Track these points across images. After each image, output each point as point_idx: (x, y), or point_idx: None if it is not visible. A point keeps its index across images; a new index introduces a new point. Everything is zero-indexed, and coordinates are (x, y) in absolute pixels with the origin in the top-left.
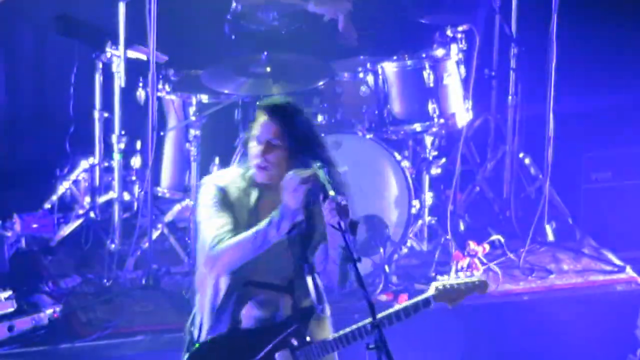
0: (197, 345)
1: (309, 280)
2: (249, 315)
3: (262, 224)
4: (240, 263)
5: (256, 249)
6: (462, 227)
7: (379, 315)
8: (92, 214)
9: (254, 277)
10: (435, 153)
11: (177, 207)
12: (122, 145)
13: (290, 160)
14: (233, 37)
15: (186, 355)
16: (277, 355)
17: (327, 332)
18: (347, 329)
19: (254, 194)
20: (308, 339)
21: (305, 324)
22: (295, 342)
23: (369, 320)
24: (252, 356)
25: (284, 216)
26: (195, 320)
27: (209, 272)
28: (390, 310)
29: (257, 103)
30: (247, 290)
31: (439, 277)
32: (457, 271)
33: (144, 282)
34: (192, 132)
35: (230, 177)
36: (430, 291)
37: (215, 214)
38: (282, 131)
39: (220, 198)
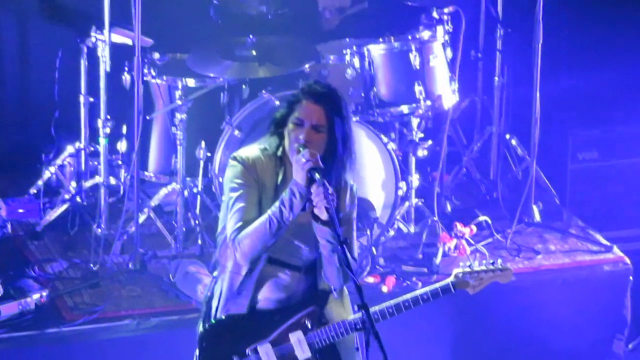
0: (213, 321)
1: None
2: (267, 294)
3: (275, 205)
4: (262, 249)
5: (273, 232)
6: (449, 208)
7: (398, 300)
8: (78, 199)
9: (276, 256)
10: (422, 135)
11: (163, 191)
12: (108, 130)
13: (325, 145)
14: (219, 21)
15: (201, 328)
16: (290, 336)
17: (348, 312)
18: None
19: (281, 173)
20: (324, 321)
21: (322, 306)
22: (309, 324)
23: (388, 303)
24: (266, 336)
25: (294, 193)
26: (214, 292)
27: (234, 259)
28: (408, 295)
29: (300, 88)
30: (268, 269)
31: (461, 264)
32: (444, 253)
33: (130, 266)
34: (178, 116)
35: (258, 154)
36: (451, 278)
37: (239, 201)
38: (328, 117)
39: (248, 178)
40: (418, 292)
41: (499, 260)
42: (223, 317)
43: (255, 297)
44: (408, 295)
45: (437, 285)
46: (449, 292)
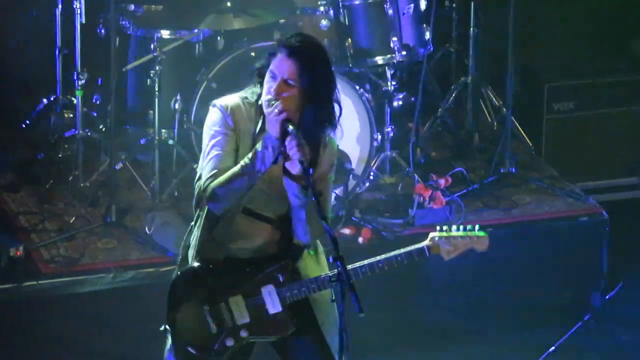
0: (183, 269)
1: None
2: (241, 244)
3: (247, 157)
4: (234, 199)
5: (244, 183)
6: (424, 159)
7: (372, 260)
8: (54, 151)
9: (250, 206)
10: (397, 86)
11: (139, 143)
12: (83, 82)
13: (301, 100)
14: None
15: (176, 274)
16: (262, 289)
17: (323, 268)
18: (331, 272)
19: (259, 122)
20: (296, 275)
21: (295, 260)
22: (280, 278)
23: (361, 263)
24: (237, 287)
25: (265, 145)
26: (190, 241)
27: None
28: (382, 256)
29: (280, 38)
30: (242, 218)
31: (437, 227)
32: (419, 204)
33: (106, 218)
34: (154, 67)
35: (238, 102)
36: (427, 241)
37: (215, 148)
38: (301, 72)
39: (225, 125)
40: (392, 253)
41: (476, 226)
42: (196, 264)
43: (229, 245)
44: (382, 257)
45: (412, 247)
46: (423, 255)
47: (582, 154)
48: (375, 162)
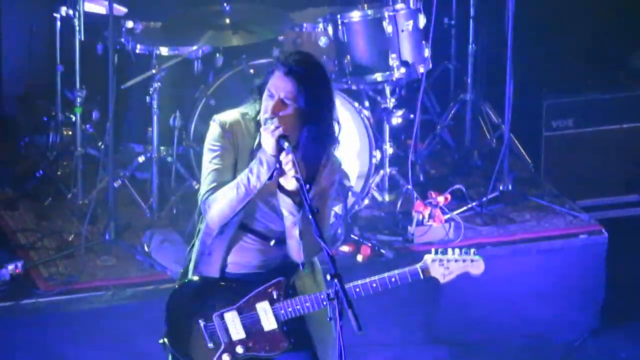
0: (185, 280)
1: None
2: (237, 259)
3: (244, 172)
4: (230, 214)
5: (240, 198)
6: (423, 176)
7: (366, 281)
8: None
9: (246, 221)
10: (396, 103)
11: (138, 160)
12: (82, 99)
13: (298, 118)
14: None
15: (174, 287)
16: (257, 305)
17: (320, 286)
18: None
19: (257, 138)
20: (291, 292)
21: (290, 278)
22: (275, 295)
23: (355, 282)
24: (234, 303)
25: (261, 161)
26: (192, 256)
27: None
28: (377, 277)
29: (278, 55)
30: (239, 233)
31: (433, 250)
32: (418, 221)
33: (105, 236)
34: (153, 85)
35: (238, 118)
36: (421, 263)
37: (214, 162)
38: (297, 92)
39: (224, 141)
40: (386, 274)
41: (472, 250)
42: (194, 278)
43: (225, 260)
44: (376, 277)
45: (406, 269)
46: (417, 278)
47: (581, 171)
48: (374, 180)
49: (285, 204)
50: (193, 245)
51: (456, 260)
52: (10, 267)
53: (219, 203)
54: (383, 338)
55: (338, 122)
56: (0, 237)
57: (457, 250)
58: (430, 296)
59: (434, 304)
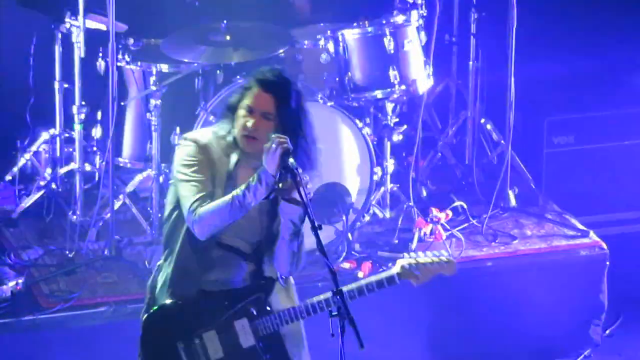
0: (155, 308)
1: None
2: (213, 277)
3: (240, 188)
4: (221, 227)
5: (234, 214)
6: (424, 193)
7: (344, 288)
8: (53, 185)
9: (223, 239)
10: (397, 119)
11: (138, 177)
12: (83, 116)
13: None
14: (196, 2)
15: (144, 316)
16: (236, 323)
17: (293, 301)
18: (314, 299)
19: (234, 157)
20: (269, 308)
21: (268, 293)
22: (254, 312)
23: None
24: (210, 322)
25: (260, 180)
26: (158, 277)
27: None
28: (354, 284)
29: (253, 74)
30: (214, 251)
31: (405, 254)
32: (420, 238)
33: (106, 252)
34: (153, 101)
35: (211, 137)
36: (396, 269)
37: (194, 174)
38: (277, 105)
39: (200, 157)
40: (363, 281)
41: (445, 253)
42: (168, 301)
43: (202, 278)
44: (353, 285)
45: (383, 275)
46: (393, 283)
47: (582, 187)
48: (375, 196)
49: (289, 213)
50: (158, 270)
51: (430, 264)
52: (11, 283)
53: (212, 216)
54: (385, 355)
55: (315, 144)
56: (0, 253)
57: (429, 253)
58: (432, 313)
59: (436, 321)
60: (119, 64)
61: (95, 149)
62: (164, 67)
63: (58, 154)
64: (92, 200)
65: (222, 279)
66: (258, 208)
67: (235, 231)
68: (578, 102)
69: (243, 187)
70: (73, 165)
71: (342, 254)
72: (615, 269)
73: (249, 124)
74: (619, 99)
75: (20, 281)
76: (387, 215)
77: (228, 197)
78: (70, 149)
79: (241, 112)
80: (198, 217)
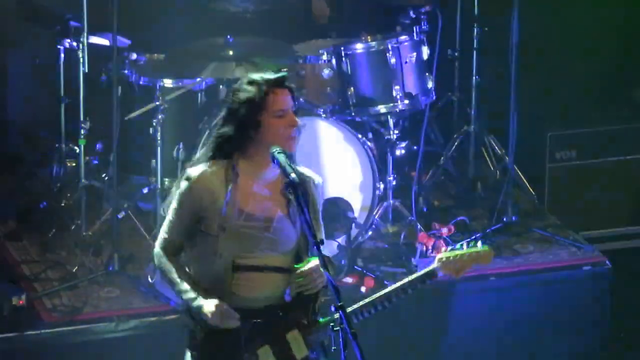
0: (201, 335)
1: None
2: (257, 296)
3: (188, 294)
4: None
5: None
6: (426, 208)
7: (386, 291)
8: (56, 200)
9: (256, 261)
10: (399, 134)
11: (142, 192)
12: (86, 131)
13: None
14: (200, 17)
15: (189, 353)
16: (288, 335)
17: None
18: (355, 306)
19: (228, 187)
20: (318, 318)
21: (315, 301)
22: (305, 322)
23: (376, 295)
24: (263, 337)
25: (195, 311)
26: (192, 304)
27: None
28: (396, 285)
29: (258, 82)
30: (249, 274)
31: (442, 249)
32: (422, 253)
33: (109, 267)
34: (156, 116)
35: (206, 170)
36: (435, 263)
37: (175, 211)
38: (292, 98)
39: (190, 200)
40: (400, 283)
41: (479, 242)
42: (211, 328)
43: (245, 303)
44: (392, 287)
45: (422, 272)
46: (434, 277)
47: (584, 202)
48: (377, 211)
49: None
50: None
51: (468, 255)
52: (14, 298)
53: (162, 276)
54: None
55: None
56: (4, 268)
57: (464, 244)
58: (434, 328)
59: (438, 336)
60: (122, 78)
61: (98, 163)
62: (167, 82)
63: (61, 168)
64: (95, 215)
65: (267, 295)
66: (283, 217)
67: (268, 246)
68: (580, 117)
69: (190, 295)
70: (76, 180)
71: (345, 269)
72: (618, 284)
73: (292, 123)
74: (621, 114)
75: (22, 296)
76: (390, 230)
77: (182, 286)
78: (74, 164)
79: (272, 120)
80: (156, 260)
